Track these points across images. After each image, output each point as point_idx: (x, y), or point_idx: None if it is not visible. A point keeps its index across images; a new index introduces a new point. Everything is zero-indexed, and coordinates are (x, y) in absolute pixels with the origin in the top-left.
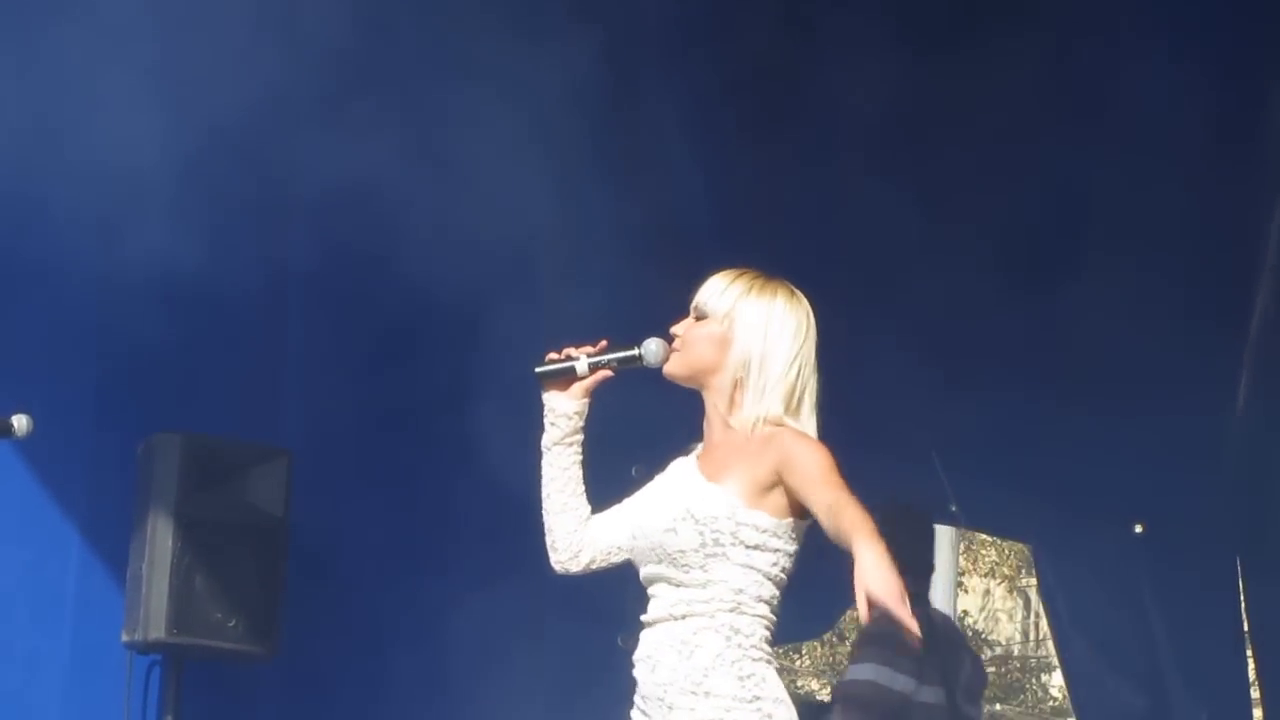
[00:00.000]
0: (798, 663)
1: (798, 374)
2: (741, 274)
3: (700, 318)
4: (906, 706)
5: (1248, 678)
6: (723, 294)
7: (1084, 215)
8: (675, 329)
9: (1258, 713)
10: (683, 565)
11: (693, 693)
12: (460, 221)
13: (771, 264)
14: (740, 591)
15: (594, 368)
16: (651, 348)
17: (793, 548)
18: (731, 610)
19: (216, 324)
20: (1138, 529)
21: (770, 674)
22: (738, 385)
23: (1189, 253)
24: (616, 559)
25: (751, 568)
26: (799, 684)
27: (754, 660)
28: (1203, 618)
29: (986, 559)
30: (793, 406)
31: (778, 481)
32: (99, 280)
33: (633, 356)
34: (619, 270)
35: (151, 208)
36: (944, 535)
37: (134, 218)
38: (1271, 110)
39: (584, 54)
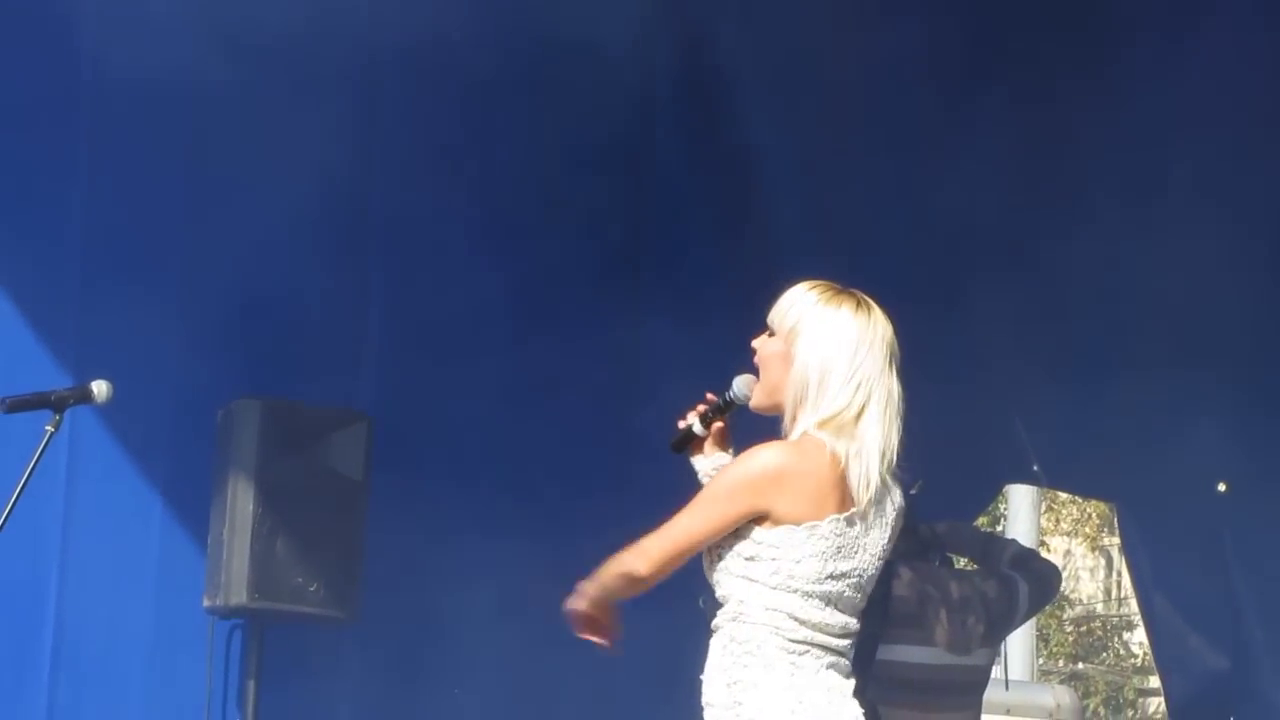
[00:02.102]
0: None
1: (856, 388)
2: (813, 286)
3: (770, 334)
4: (946, 675)
5: None
6: (789, 310)
7: (1166, 167)
8: (755, 343)
9: None
10: (712, 582)
11: (704, 704)
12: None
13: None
14: (741, 602)
15: (706, 423)
16: (739, 386)
17: (798, 553)
18: (733, 620)
19: (297, 289)
20: (1221, 487)
21: (764, 679)
22: (799, 402)
23: (1275, 205)
24: None
25: (749, 579)
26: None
27: (744, 667)
28: None
29: (1068, 518)
30: (850, 419)
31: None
32: (180, 247)
33: (729, 401)
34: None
35: (234, 175)
36: (1025, 495)
37: (215, 185)
38: None
39: None
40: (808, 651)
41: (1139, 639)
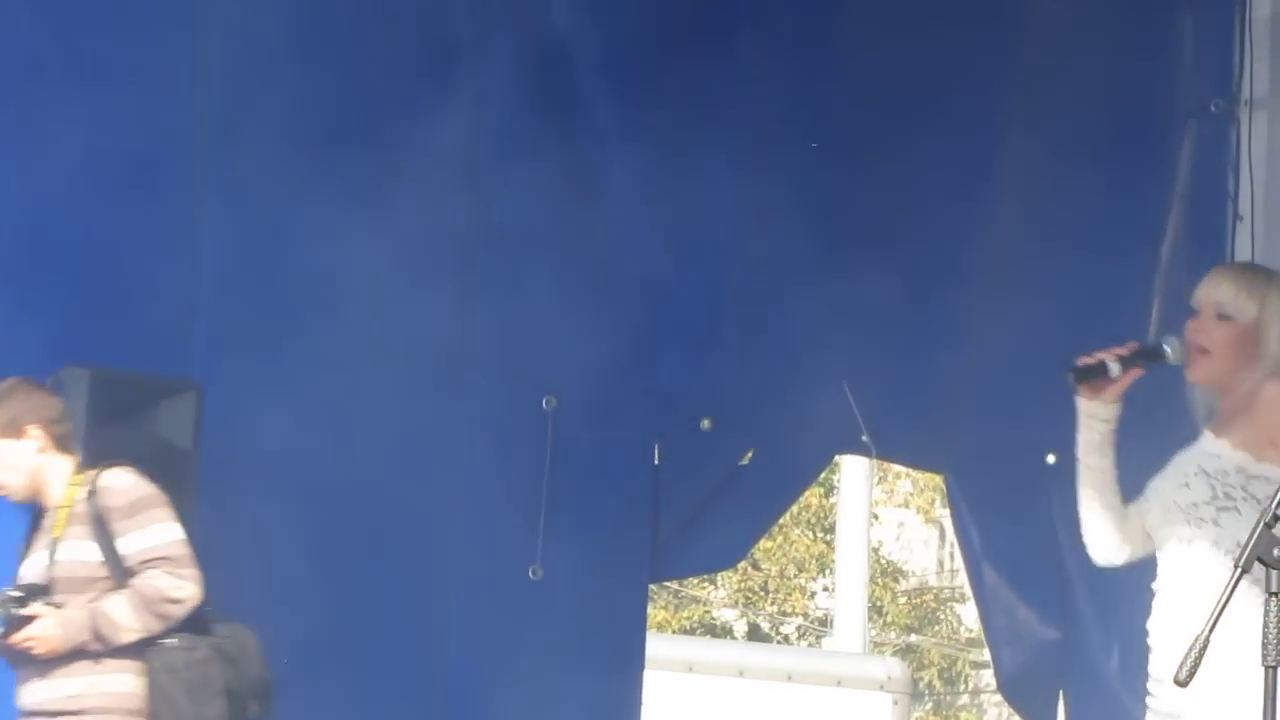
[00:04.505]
0: (712, 593)
1: None
2: (1249, 271)
3: (1224, 317)
4: None
5: None
6: (1248, 298)
7: (996, 140)
8: (1198, 324)
9: None
10: (1196, 520)
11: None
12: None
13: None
14: None
15: (1126, 368)
16: (1177, 347)
17: None
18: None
19: (126, 255)
20: (1050, 459)
21: None
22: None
23: (1102, 178)
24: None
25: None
26: (714, 615)
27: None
28: None
29: (901, 491)
30: None
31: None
32: (6, 214)
33: (1159, 355)
34: None
35: (58, 135)
36: (859, 466)
37: (40, 151)
38: (1179, 33)
39: None
40: None
41: (972, 611)
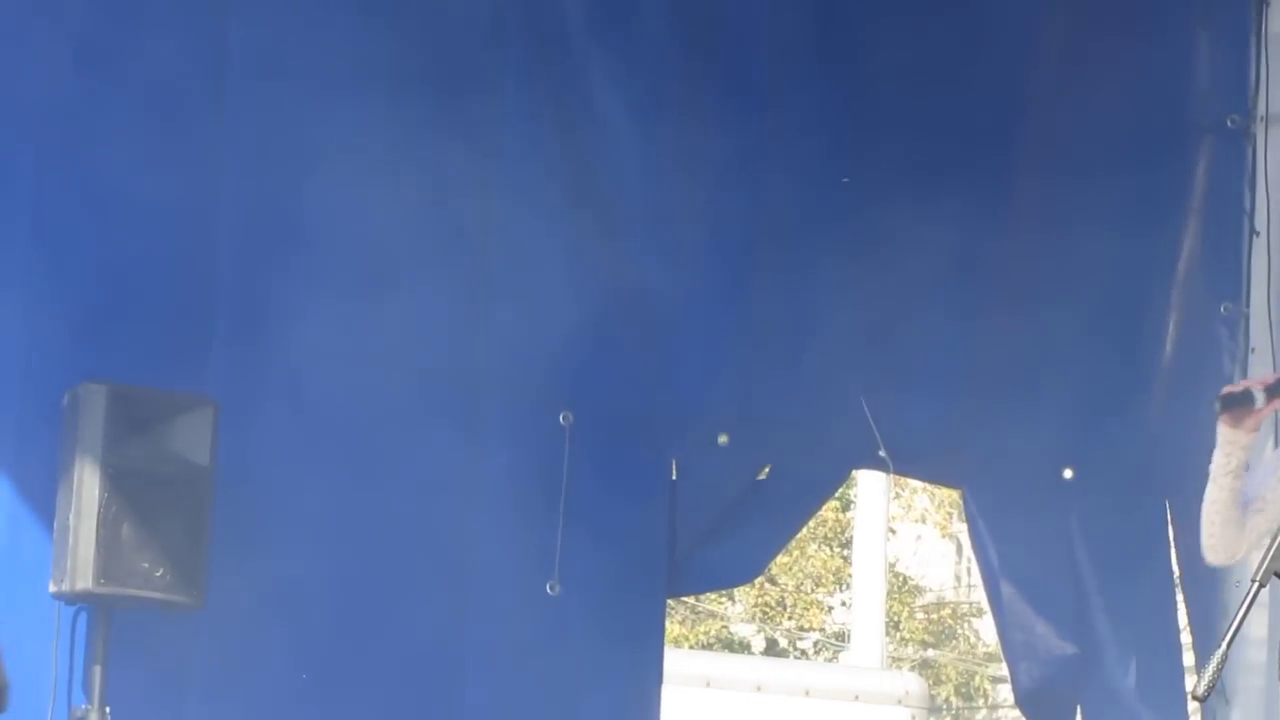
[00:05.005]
0: (729, 608)
1: None
2: None
3: None
4: None
5: (1178, 624)
6: None
7: (1014, 155)
8: None
9: (1189, 658)
10: None
11: None
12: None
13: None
14: None
15: (1270, 398)
16: None
17: None
18: None
19: (144, 273)
20: (1067, 474)
21: None
22: None
23: (1119, 194)
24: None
25: None
26: (731, 630)
27: None
28: (1132, 564)
29: (918, 505)
30: None
31: None
32: (27, 229)
33: None
34: None
35: (73, 152)
36: (875, 480)
37: (62, 168)
38: (1195, 50)
39: None
40: None
41: (990, 626)
